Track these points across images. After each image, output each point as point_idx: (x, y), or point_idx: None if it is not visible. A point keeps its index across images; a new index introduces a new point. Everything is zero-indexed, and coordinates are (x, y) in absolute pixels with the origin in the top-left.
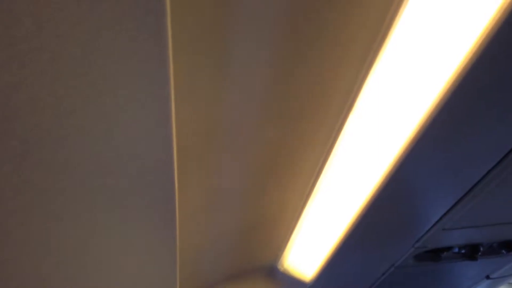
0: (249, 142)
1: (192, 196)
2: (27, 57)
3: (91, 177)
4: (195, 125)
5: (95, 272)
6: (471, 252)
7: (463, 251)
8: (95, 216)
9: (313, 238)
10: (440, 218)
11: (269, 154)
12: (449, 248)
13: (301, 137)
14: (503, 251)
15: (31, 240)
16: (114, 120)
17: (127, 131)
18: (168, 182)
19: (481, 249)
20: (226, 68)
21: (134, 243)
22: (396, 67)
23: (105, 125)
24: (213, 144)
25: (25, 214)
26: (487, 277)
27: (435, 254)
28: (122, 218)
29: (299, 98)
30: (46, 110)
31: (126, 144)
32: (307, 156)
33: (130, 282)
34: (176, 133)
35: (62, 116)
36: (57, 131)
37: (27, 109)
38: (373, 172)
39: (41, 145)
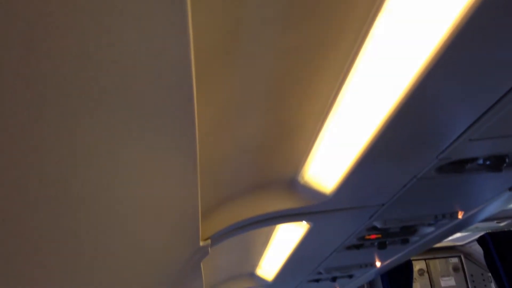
0: (269, 48)
1: (211, 105)
2: None
3: (105, 70)
4: (214, 27)
5: (113, 182)
6: (496, 163)
7: (488, 162)
8: (112, 119)
9: (334, 150)
10: (468, 128)
11: (291, 61)
12: (473, 159)
13: (324, 43)
14: None
15: (47, 136)
16: (128, 12)
17: (143, 25)
18: (186, 85)
19: (507, 160)
20: None
21: (153, 152)
22: None
23: (119, 17)
24: (231, 50)
25: (38, 108)
26: (510, 189)
27: (458, 166)
28: (140, 124)
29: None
30: None
31: (141, 39)
32: (330, 64)
33: (150, 191)
34: (194, 36)
35: (70, 2)
36: (66, 19)
37: None
38: (398, 79)
39: (48, 32)
